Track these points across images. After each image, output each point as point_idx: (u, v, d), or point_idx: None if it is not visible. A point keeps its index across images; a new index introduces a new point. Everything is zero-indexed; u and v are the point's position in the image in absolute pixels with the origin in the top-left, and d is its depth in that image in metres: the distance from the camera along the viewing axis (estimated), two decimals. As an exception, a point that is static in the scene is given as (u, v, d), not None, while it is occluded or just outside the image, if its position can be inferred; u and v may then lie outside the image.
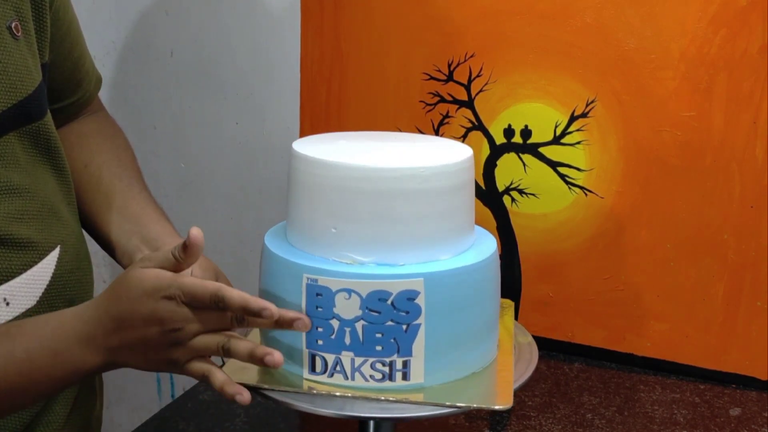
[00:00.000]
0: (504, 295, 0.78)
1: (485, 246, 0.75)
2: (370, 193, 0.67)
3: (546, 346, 1.11)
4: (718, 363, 1.05)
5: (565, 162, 1.06)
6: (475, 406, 0.67)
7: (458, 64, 1.09)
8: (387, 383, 0.67)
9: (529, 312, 1.12)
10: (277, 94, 1.25)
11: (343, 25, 1.13)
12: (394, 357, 0.67)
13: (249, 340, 0.65)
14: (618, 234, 1.06)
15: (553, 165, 1.07)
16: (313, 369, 0.69)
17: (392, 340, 0.67)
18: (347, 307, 0.66)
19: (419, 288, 0.66)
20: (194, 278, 0.65)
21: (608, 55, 1.01)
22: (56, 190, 0.78)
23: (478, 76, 1.08)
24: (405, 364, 0.67)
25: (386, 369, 0.67)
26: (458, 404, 0.67)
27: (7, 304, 0.71)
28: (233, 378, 0.66)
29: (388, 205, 0.68)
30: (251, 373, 0.70)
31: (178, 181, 1.36)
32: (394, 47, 1.11)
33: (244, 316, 0.64)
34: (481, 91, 1.08)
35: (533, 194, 1.08)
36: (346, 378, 0.68)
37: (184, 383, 1.45)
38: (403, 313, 0.66)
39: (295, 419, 0.99)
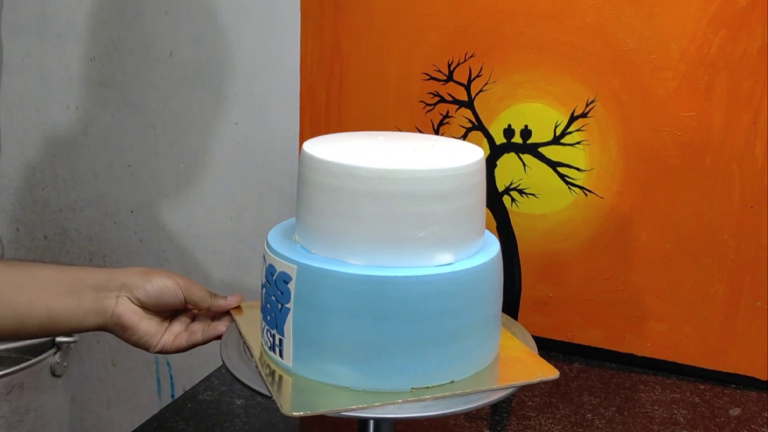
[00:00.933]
0: (504, 294, 0.78)
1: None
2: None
3: (546, 346, 1.11)
4: (718, 363, 1.05)
5: (565, 162, 1.06)
6: (275, 398, 0.66)
7: (458, 64, 1.09)
8: (272, 354, 0.72)
9: (529, 312, 1.12)
10: (277, 94, 1.25)
11: (343, 25, 1.13)
12: (274, 331, 0.71)
13: None
14: (618, 234, 1.06)
15: (553, 165, 1.07)
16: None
17: (273, 315, 0.70)
18: (261, 273, 0.73)
19: (292, 273, 0.68)
20: None
21: (608, 55, 1.01)
22: None
23: (478, 76, 1.08)
24: (280, 342, 0.70)
25: (271, 339, 0.71)
26: (270, 395, 0.67)
27: None
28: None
29: (302, 191, 0.72)
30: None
31: (178, 181, 1.36)
32: (394, 47, 1.11)
33: None
34: (481, 91, 1.08)
35: (533, 194, 1.08)
36: (262, 336, 0.74)
37: (184, 383, 1.45)
38: (279, 293, 0.69)
39: (294, 419, 0.99)
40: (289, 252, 0.70)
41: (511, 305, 1.12)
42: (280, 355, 0.70)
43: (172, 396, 1.47)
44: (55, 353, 1.24)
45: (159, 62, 1.32)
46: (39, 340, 1.24)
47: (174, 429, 0.93)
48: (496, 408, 0.99)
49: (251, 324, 0.79)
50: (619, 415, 0.96)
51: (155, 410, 1.00)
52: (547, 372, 0.72)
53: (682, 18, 0.97)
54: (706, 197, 1.01)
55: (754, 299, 1.01)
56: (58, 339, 1.24)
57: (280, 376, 0.70)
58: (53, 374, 1.24)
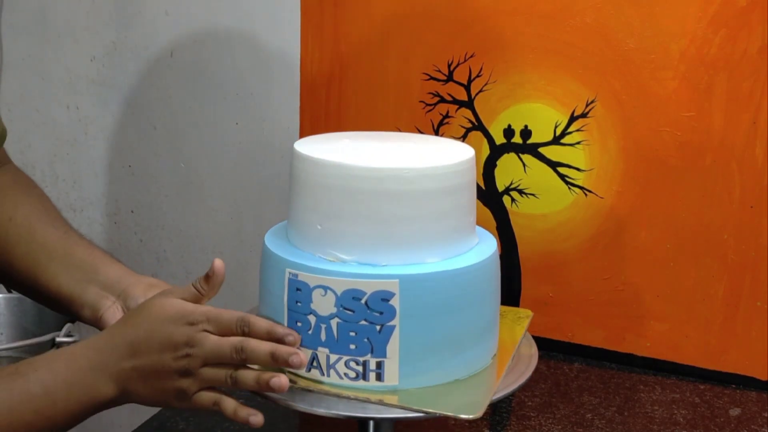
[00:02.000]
0: (504, 295, 0.78)
1: (479, 251, 0.73)
2: (353, 192, 0.68)
3: (546, 346, 1.10)
4: (718, 363, 1.04)
5: (565, 162, 1.06)
6: (442, 413, 0.65)
7: (458, 64, 1.09)
8: (361, 382, 0.68)
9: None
10: (277, 94, 1.24)
11: (343, 25, 1.13)
12: (368, 357, 0.67)
13: (255, 369, 0.66)
14: (618, 234, 1.06)
15: (553, 165, 1.07)
16: None
17: (366, 340, 0.67)
18: (323, 304, 0.67)
19: (394, 289, 0.66)
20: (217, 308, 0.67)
21: (608, 55, 1.01)
22: None
23: (478, 76, 1.08)
24: (379, 365, 0.67)
25: (360, 368, 0.67)
26: (426, 409, 0.66)
27: None
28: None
29: (370, 205, 0.68)
30: None
31: (178, 181, 1.36)
32: (394, 47, 1.11)
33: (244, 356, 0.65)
34: (480, 91, 1.08)
35: (533, 194, 1.08)
36: (322, 374, 0.69)
37: (184, 383, 1.45)
38: (377, 314, 0.66)
39: (294, 419, 0.99)
40: (369, 269, 0.67)
41: (510, 305, 1.12)
42: (379, 378, 0.67)
43: (172, 396, 1.47)
44: (55, 353, 1.24)
45: (159, 62, 1.32)
46: (39, 340, 1.24)
47: (174, 429, 0.93)
48: (496, 408, 0.99)
49: None
50: (619, 415, 0.96)
51: (155, 410, 1.00)
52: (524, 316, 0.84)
53: (682, 18, 0.97)
54: (706, 197, 1.01)
55: (754, 299, 1.01)
56: (58, 339, 1.23)
57: (380, 400, 0.67)
58: (53, 374, 1.24)
